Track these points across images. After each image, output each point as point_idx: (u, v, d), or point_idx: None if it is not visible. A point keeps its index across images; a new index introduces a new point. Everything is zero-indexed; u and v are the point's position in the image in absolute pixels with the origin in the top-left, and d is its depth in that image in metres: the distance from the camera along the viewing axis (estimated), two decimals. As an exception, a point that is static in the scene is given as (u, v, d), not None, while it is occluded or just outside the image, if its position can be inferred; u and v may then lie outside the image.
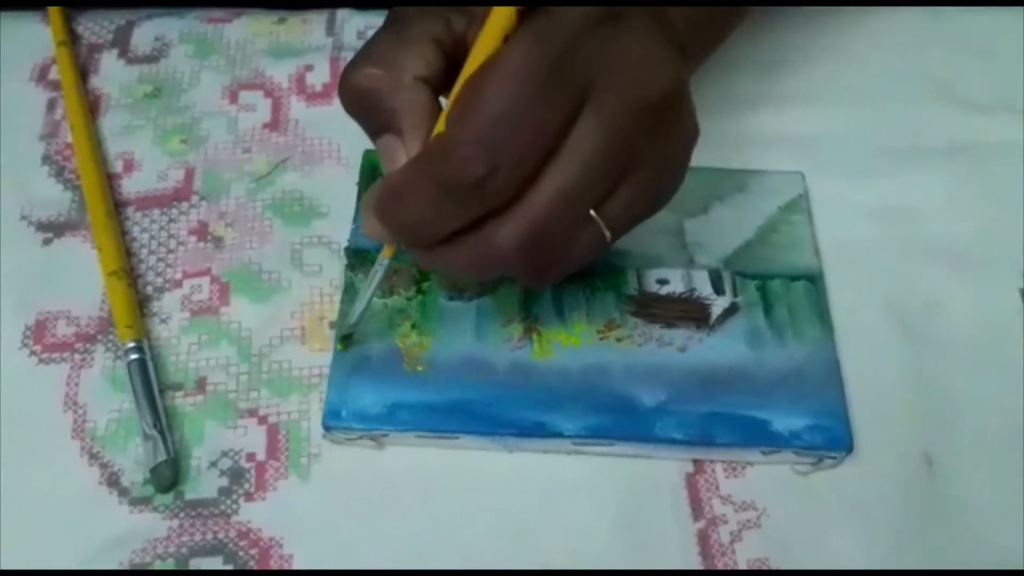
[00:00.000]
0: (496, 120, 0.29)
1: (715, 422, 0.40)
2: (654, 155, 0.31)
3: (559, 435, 0.39)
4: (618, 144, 0.30)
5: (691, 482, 0.40)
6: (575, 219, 0.31)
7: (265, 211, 0.47)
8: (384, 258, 0.36)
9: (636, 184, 0.31)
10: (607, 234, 0.32)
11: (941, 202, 0.48)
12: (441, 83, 0.33)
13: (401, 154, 0.32)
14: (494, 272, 0.33)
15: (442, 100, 0.34)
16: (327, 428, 0.40)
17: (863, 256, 0.46)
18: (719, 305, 0.43)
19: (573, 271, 0.34)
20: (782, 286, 0.43)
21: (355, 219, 0.46)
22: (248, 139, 0.49)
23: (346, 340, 0.40)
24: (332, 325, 0.43)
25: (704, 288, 0.43)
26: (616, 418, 0.39)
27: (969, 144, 0.51)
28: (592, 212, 0.31)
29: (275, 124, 0.50)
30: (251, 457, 0.40)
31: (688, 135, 0.32)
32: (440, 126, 0.31)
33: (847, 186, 0.48)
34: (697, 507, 0.40)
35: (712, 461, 0.41)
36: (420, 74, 0.32)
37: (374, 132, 0.33)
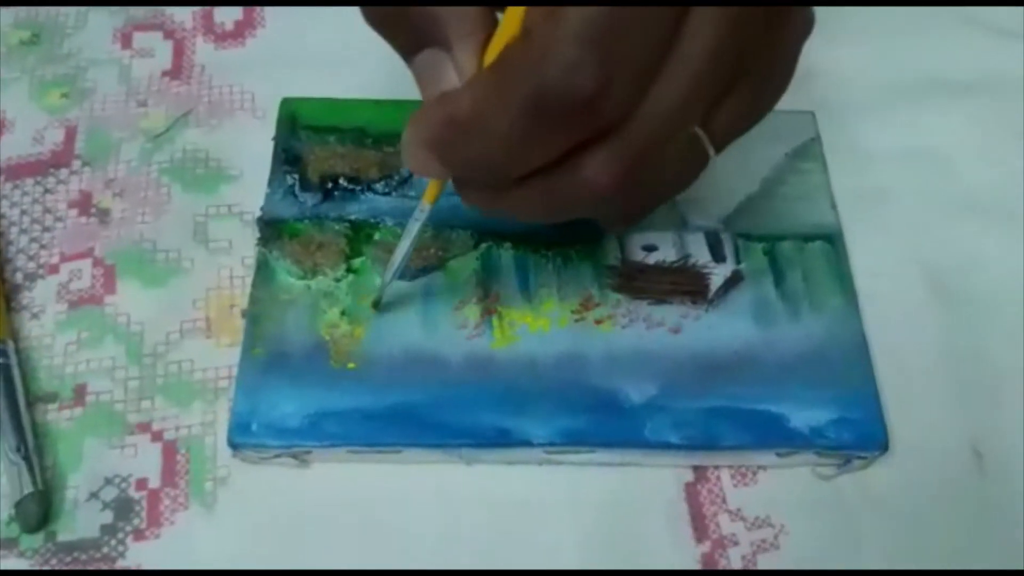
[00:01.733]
0: (608, 16, 0.23)
1: (719, 420, 0.33)
2: (765, 55, 0.27)
3: (527, 443, 0.33)
4: (731, 44, 0.25)
5: (691, 494, 0.34)
6: (682, 139, 0.26)
7: (162, 176, 0.40)
8: (426, 205, 0.31)
9: (745, 90, 0.27)
10: (711, 151, 0.27)
11: (972, 143, 0.43)
12: None
13: (449, 72, 0.27)
14: (576, 213, 0.28)
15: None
16: (234, 446, 0.32)
17: (886, 209, 0.40)
18: (719, 274, 0.36)
19: (666, 201, 0.30)
20: (794, 248, 0.37)
21: (271, 182, 0.38)
22: (143, 90, 0.42)
23: (377, 306, 0.35)
24: (244, 314, 0.35)
25: (700, 254, 0.37)
26: (597, 419, 0.33)
27: (999, 76, 0.44)
28: (697, 128, 0.26)
29: (176, 71, 0.43)
30: (142, 484, 0.33)
31: (800, 29, 0.28)
32: (499, 42, 0.25)
33: (864, 127, 0.43)
34: (700, 525, 0.33)
35: (716, 467, 0.35)
36: None
37: (410, 47, 0.28)
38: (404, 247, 0.32)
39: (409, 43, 0.27)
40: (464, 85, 0.26)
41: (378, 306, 0.35)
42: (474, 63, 0.26)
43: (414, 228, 0.32)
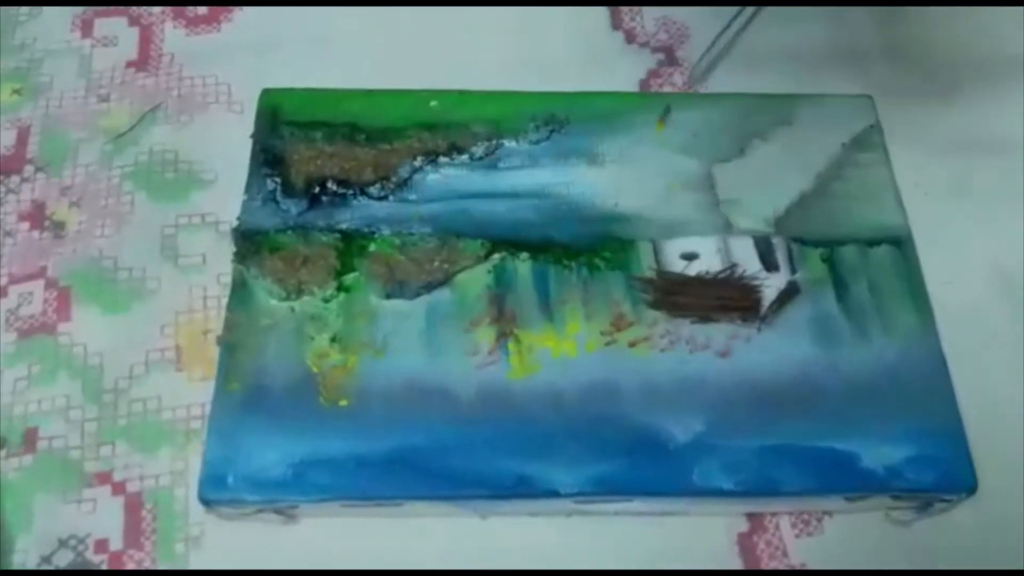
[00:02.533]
0: None
1: (778, 460, 0.29)
2: None
3: (553, 493, 0.28)
4: None
5: (746, 546, 0.30)
6: None
7: (125, 182, 0.36)
8: None
9: None
10: None
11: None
12: None
13: None
14: None
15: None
16: (206, 502, 0.28)
17: (957, 207, 0.36)
18: (772, 286, 0.32)
19: None
20: (857, 254, 0.33)
21: (249, 187, 0.33)
22: (106, 83, 0.38)
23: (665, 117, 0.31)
24: (220, 341, 0.30)
25: (749, 263, 0.32)
26: (635, 463, 0.29)
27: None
28: None
29: (143, 61, 0.39)
30: (102, 546, 0.29)
31: None
32: None
33: (930, 113, 0.38)
34: (758, 584, 0.28)
35: (774, 514, 0.31)
36: None
37: None
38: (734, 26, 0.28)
39: None
40: None
41: (665, 118, 0.31)
42: None
43: None
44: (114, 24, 0.39)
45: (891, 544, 0.30)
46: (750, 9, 0.27)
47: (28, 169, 0.36)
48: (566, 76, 0.37)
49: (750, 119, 0.35)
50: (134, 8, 0.40)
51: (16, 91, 0.38)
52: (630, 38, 0.39)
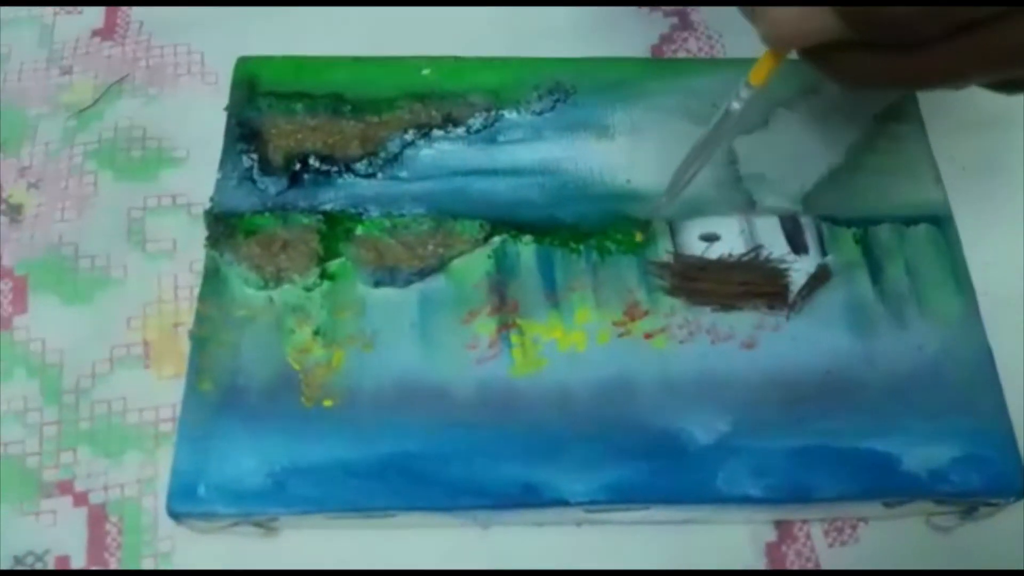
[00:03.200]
0: None
1: (810, 463, 0.27)
2: None
3: (561, 501, 0.26)
4: None
5: (775, 557, 0.28)
6: None
7: (87, 160, 0.33)
8: (753, 86, 0.25)
9: None
10: None
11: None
12: None
13: None
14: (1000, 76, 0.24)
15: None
16: (175, 515, 0.25)
17: (999, 183, 0.33)
18: (800, 270, 0.29)
19: None
20: (893, 234, 0.30)
21: (223, 164, 0.30)
22: (68, 54, 0.36)
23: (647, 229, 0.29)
24: (192, 334, 0.27)
25: (775, 244, 0.30)
26: (652, 468, 0.26)
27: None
28: None
29: (109, 30, 0.36)
30: (63, 562, 0.27)
31: None
32: None
33: None
34: (788, 598, 0.26)
35: (805, 521, 0.28)
36: None
37: None
38: (705, 150, 0.26)
39: None
40: None
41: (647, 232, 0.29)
42: None
43: (730, 117, 0.26)
44: (78, -11, 0.37)
45: (931, 552, 0.28)
46: (740, 108, 0.26)
47: (-18, 148, 0.33)
48: (572, 41, 0.34)
49: (774, 87, 0.31)
50: (100, -30, 0.37)
51: (-29, 63, 0.35)
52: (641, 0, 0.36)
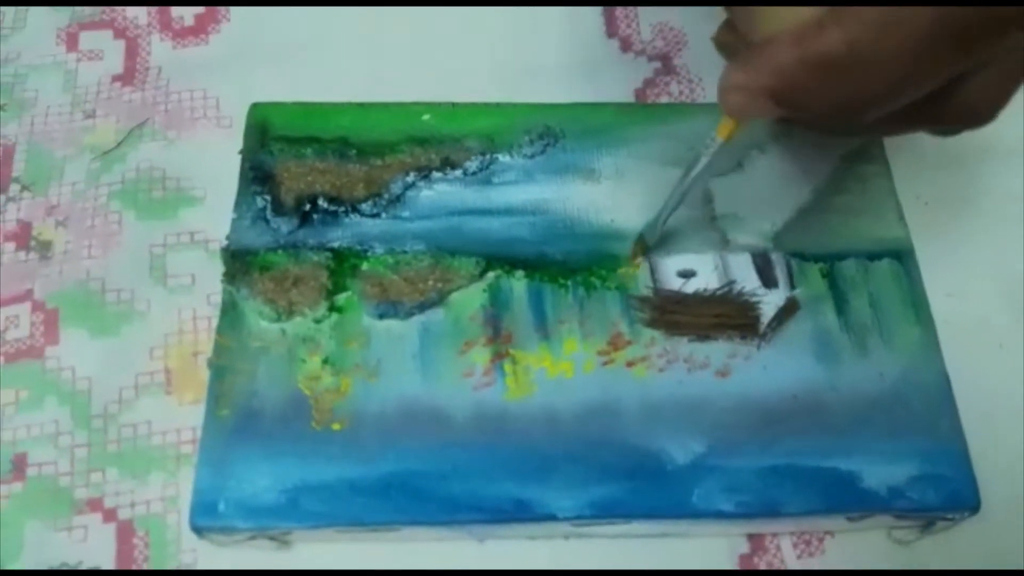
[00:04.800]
0: None
1: (779, 481, 0.28)
2: None
3: (551, 517, 0.28)
4: None
5: (747, 567, 0.29)
6: None
7: (112, 200, 0.35)
8: (719, 139, 0.28)
9: None
10: None
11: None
12: None
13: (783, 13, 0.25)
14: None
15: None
16: (197, 530, 0.27)
17: (961, 219, 0.35)
18: (771, 303, 0.31)
19: None
20: (858, 269, 0.32)
21: (238, 205, 0.32)
22: (91, 98, 0.37)
23: (639, 250, 0.31)
24: (211, 363, 0.30)
25: (747, 279, 0.32)
26: (634, 486, 0.28)
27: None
28: None
29: (129, 76, 0.38)
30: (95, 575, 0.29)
31: None
32: None
33: None
34: (759, 608, 0.28)
35: (775, 535, 0.30)
36: None
37: None
38: (680, 189, 0.29)
39: None
40: (821, 25, 0.24)
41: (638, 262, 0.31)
42: None
43: (700, 164, 0.29)
44: (99, 37, 0.38)
45: (893, 564, 0.29)
46: (708, 156, 0.29)
47: (13, 188, 0.35)
48: (560, 85, 0.36)
49: (749, 131, 0.34)
50: (120, 20, 0.38)
51: (1, 107, 0.37)
52: (625, 46, 0.38)
